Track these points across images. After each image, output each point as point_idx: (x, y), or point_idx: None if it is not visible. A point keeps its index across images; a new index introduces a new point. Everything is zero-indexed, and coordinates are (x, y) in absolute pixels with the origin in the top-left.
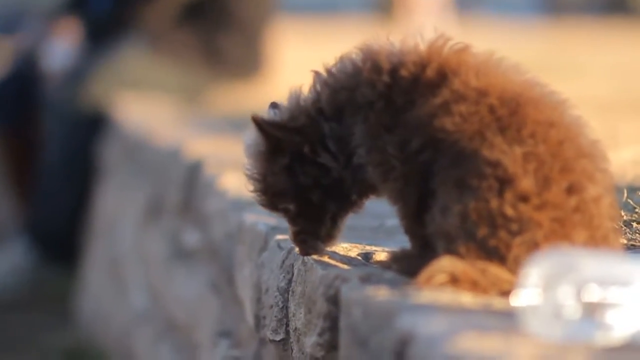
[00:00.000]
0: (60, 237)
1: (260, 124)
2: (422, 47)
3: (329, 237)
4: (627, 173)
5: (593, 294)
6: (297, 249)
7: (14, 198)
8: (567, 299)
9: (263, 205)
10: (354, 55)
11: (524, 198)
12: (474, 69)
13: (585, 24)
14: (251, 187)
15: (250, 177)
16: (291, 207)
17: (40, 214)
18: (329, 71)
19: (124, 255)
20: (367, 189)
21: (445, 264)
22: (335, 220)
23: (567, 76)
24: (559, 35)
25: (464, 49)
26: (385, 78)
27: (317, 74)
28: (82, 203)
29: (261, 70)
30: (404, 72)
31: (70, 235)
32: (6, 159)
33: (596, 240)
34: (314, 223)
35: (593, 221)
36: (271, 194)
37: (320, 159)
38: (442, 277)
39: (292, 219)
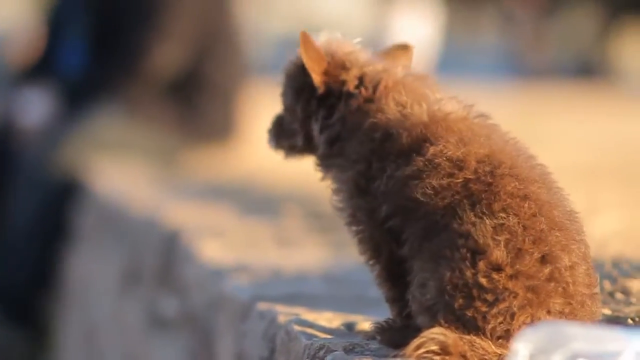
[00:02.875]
0: (20, 299)
1: (306, 40)
2: (424, 115)
3: (278, 149)
4: (610, 243)
5: None
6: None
7: None
8: None
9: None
10: (384, 92)
11: (497, 268)
12: (457, 136)
13: (556, 88)
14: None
15: (289, 63)
16: (286, 102)
17: (1, 273)
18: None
19: (100, 324)
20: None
21: (436, 333)
22: (291, 150)
23: (540, 142)
24: (531, 100)
25: (462, 117)
26: (375, 145)
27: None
28: (49, 268)
29: (236, 134)
30: (388, 144)
31: (31, 298)
32: None
33: (573, 308)
34: (285, 131)
35: (568, 289)
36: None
37: (315, 120)
38: (432, 347)
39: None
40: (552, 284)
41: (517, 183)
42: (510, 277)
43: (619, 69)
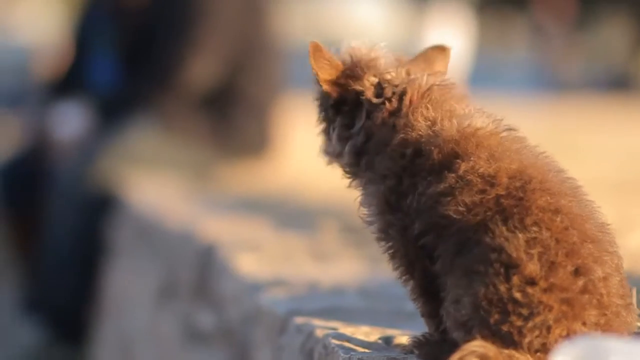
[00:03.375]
0: (67, 316)
1: (315, 49)
2: (454, 131)
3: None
4: None
5: None
6: None
7: (21, 278)
8: None
9: None
10: (412, 107)
11: (531, 282)
12: (488, 152)
13: (588, 101)
14: None
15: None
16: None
17: (46, 292)
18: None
19: (136, 338)
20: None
21: (477, 346)
22: (327, 157)
23: (572, 156)
24: (562, 113)
25: (492, 132)
26: (405, 162)
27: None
28: (90, 283)
29: (271, 148)
30: (419, 161)
31: (77, 314)
32: (13, 239)
33: (608, 319)
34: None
35: (603, 300)
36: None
37: (333, 129)
38: (473, 359)
39: None
40: (587, 296)
41: (548, 197)
42: (545, 290)
43: None
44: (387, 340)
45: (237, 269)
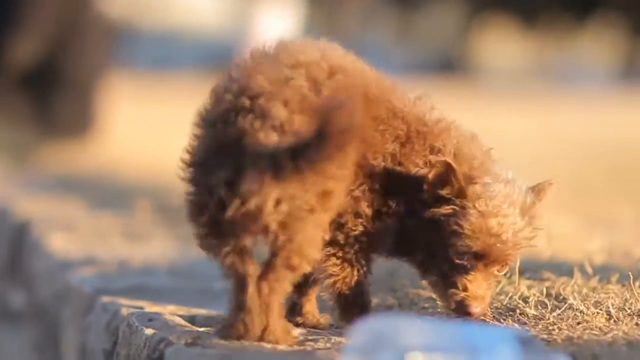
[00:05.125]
0: None
1: None
2: None
3: None
4: None
5: None
6: None
7: None
8: None
9: None
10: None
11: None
12: None
13: (415, 82)
14: None
15: None
16: None
17: None
18: None
19: None
20: None
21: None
22: None
23: None
24: None
25: None
26: None
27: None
28: None
29: (92, 128)
30: None
31: None
32: None
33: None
34: None
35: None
36: None
37: None
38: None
39: None
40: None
41: None
42: None
43: (479, 65)
44: (192, 320)
45: (50, 247)
